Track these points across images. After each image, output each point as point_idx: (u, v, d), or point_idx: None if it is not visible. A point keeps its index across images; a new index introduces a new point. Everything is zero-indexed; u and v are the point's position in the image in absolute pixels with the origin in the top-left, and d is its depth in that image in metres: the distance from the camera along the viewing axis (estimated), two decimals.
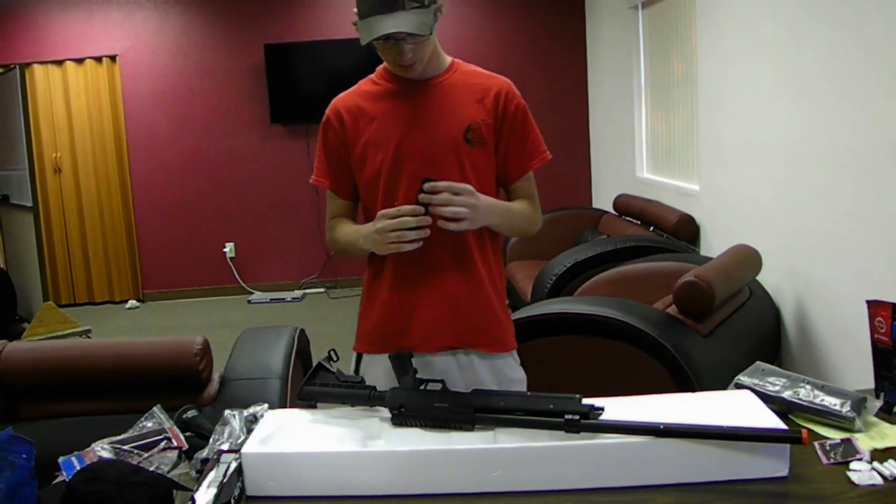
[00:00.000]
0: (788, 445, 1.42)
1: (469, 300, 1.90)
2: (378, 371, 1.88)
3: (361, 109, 1.92)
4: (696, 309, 2.91)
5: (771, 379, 1.74)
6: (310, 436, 1.58)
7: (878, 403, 1.67)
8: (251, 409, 1.76)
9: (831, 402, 1.64)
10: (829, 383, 1.71)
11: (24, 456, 1.19)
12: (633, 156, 5.88)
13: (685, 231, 4.66)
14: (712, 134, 4.39)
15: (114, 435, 1.83)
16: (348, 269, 7.12)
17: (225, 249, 7.05)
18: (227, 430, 1.68)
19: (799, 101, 3.38)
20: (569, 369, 2.96)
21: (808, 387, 1.69)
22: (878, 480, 1.39)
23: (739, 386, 1.74)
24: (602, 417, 1.49)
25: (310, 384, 1.71)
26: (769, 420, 1.49)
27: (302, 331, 3.00)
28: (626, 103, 5.94)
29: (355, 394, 1.65)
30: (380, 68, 1.96)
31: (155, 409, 1.75)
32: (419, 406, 1.58)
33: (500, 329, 1.96)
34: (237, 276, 7.10)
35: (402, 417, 1.59)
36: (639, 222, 5.37)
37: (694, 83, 4.59)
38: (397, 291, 1.91)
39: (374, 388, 1.65)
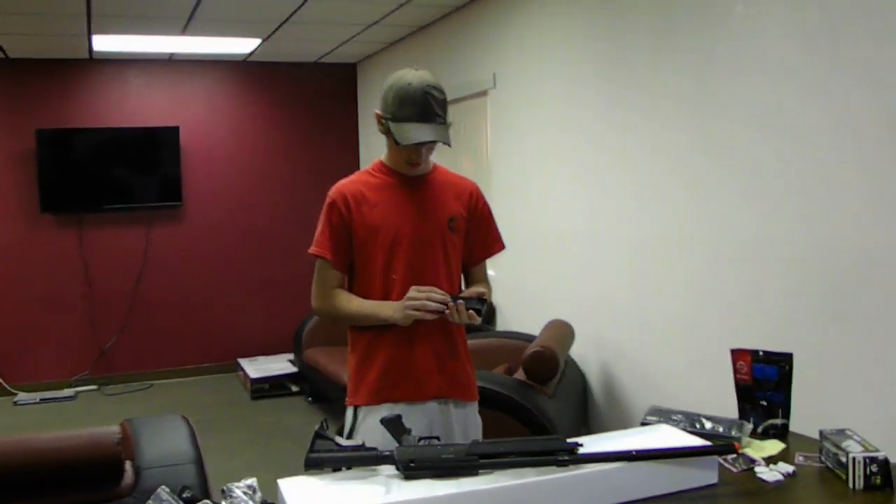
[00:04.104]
0: (717, 458, 1.88)
1: (450, 359, 2.29)
2: (374, 422, 2.10)
3: (364, 196, 2.25)
4: (545, 375, 3.39)
5: (672, 416, 2.22)
6: (341, 495, 1.74)
7: (748, 428, 2.19)
8: (245, 482, 1.88)
9: (721, 428, 2.14)
10: (712, 415, 2.22)
11: None
12: None
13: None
14: (507, 223, 4.99)
15: None
16: (123, 363, 6.80)
17: None
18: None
19: (590, 193, 4.09)
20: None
21: (702, 418, 2.19)
22: (780, 477, 1.89)
23: (647, 423, 2.19)
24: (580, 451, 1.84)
25: (313, 452, 1.87)
26: (697, 442, 1.94)
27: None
28: None
29: (364, 456, 1.85)
30: (376, 163, 2.31)
31: (161, 491, 1.80)
32: (429, 459, 1.82)
33: (470, 383, 2.38)
34: None
35: (413, 470, 1.82)
36: None
37: (487, 178, 5.21)
38: (396, 351, 2.24)
39: (376, 448, 1.86)
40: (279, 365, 6.62)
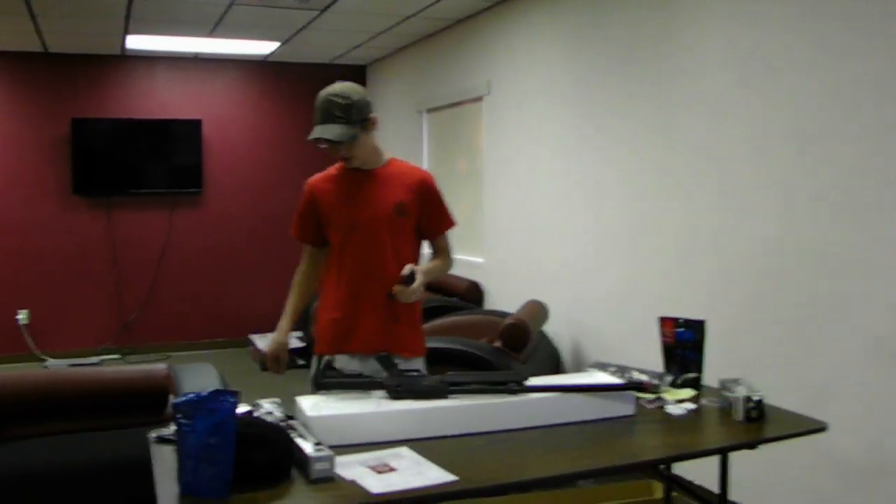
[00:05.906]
0: (635, 394, 2.44)
1: (394, 323, 2.79)
2: (333, 366, 2.71)
3: (327, 186, 2.85)
4: (518, 343, 3.94)
5: (608, 367, 2.78)
6: (344, 407, 2.29)
7: (669, 379, 2.75)
8: (271, 400, 2.44)
9: (646, 377, 2.70)
10: (640, 367, 2.78)
11: (228, 402, 1.79)
12: None
13: (473, 294, 5.76)
14: (495, 218, 5.59)
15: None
16: (144, 336, 7.39)
17: (18, 316, 7.01)
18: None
19: (565, 192, 4.66)
20: None
21: (631, 370, 2.75)
22: (683, 412, 2.45)
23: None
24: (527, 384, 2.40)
25: (324, 378, 2.43)
26: (620, 382, 2.50)
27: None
28: None
29: (364, 382, 2.41)
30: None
31: None
32: (411, 384, 2.38)
33: (415, 342, 2.87)
34: (30, 342, 7.06)
35: (399, 393, 2.37)
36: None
37: (479, 177, 5.78)
38: (344, 310, 2.79)
39: (373, 377, 2.42)
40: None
